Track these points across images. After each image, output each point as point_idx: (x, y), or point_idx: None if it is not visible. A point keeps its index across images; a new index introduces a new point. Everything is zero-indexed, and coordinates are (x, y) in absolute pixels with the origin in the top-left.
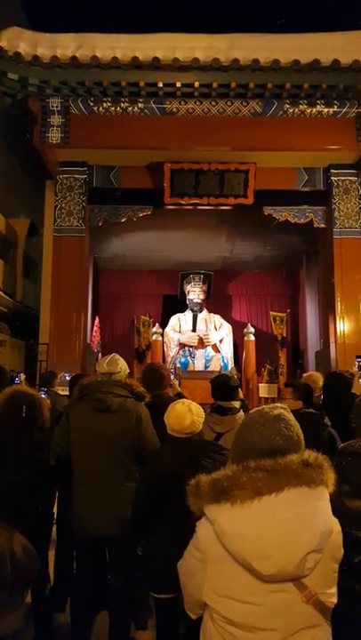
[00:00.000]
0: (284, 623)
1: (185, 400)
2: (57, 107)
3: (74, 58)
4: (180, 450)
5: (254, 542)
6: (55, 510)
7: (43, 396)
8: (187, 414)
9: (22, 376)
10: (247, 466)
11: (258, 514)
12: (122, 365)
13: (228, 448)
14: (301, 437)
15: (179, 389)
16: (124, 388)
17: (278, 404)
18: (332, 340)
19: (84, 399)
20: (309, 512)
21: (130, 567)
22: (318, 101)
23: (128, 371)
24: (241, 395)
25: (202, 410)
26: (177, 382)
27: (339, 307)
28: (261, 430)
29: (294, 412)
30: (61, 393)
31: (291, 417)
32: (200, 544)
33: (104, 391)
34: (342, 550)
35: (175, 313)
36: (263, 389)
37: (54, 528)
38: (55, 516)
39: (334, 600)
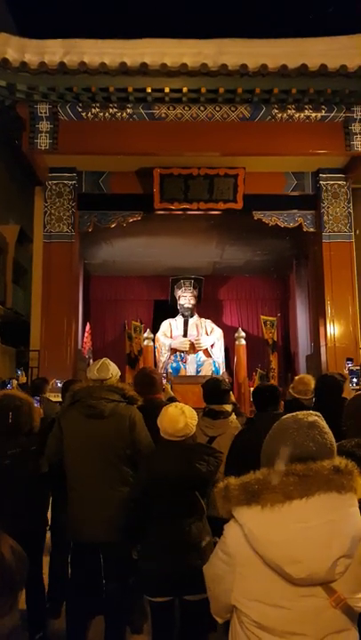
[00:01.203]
0: (313, 628)
1: (178, 403)
2: (45, 113)
3: (62, 64)
4: (173, 453)
5: (285, 546)
6: (49, 516)
7: (35, 404)
8: (180, 417)
9: (14, 382)
10: (278, 470)
11: (288, 518)
12: (113, 370)
13: (221, 451)
14: (334, 445)
15: (171, 394)
16: (116, 393)
17: (312, 412)
18: (322, 343)
19: (75, 405)
20: (341, 518)
21: (125, 572)
22: (306, 106)
23: (119, 374)
24: (233, 398)
25: (195, 413)
26: (169, 387)
27: (329, 310)
28: (295, 436)
29: (263, 414)
30: (53, 399)
31: (325, 424)
32: (228, 548)
33: (96, 397)
34: None
35: (166, 318)
36: None
37: (49, 534)
38: (50, 522)
39: None
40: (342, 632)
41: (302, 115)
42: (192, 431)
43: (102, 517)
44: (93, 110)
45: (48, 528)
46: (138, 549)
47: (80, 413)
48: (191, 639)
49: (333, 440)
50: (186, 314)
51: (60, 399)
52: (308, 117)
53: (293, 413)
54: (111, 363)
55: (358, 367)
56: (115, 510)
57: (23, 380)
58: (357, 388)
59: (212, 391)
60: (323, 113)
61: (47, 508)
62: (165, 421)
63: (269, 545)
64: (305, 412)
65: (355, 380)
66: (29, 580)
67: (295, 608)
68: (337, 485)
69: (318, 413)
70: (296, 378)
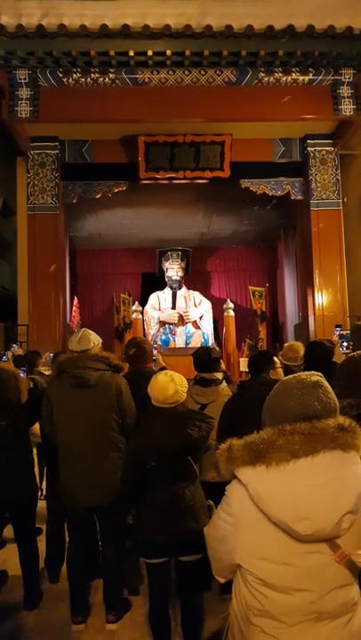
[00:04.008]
0: (318, 583)
1: (168, 371)
2: (25, 79)
3: (40, 26)
4: (165, 420)
5: (292, 503)
6: (45, 485)
7: (22, 375)
8: (169, 384)
9: (9, 354)
10: (283, 429)
11: (295, 476)
12: (94, 340)
13: (212, 416)
14: (337, 404)
15: (163, 364)
16: (101, 362)
17: (314, 372)
18: (310, 312)
19: (61, 376)
20: (346, 475)
21: (121, 535)
22: (293, 69)
23: (101, 342)
24: (223, 366)
25: (185, 380)
26: (161, 358)
27: (317, 279)
28: (299, 396)
29: (253, 379)
30: (46, 373)
31: (327, 384)
32: (232, 508)
33: (81, 366)
34: None
35: (154, 291)
36: (244, 363)
37: (45, 504)
38: (45, 491)
39: None
40: (345, 587)
41: (289, 78)
42: (182, 398)
43: (94, 483)
44: (75, 76)
45: (43, 497)
46: (133, 514)
47: (66, 383)
48: (187, 599)
49: (336, 399)
50: (174, 286)
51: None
52: (295, 81)
53: (295, 374)
54: (91, 332)
55: (348, 331)
56: (106, 475)
57: (20, 352)
58: (348, 352)
59: (203, 360)
60: (310, 76)
61: (39, 477)
62: (156, 389)
63: (276, 503)
64: (307, 372)
65: (345, 344)
66: (23, 547)
67: (301, 565)
68: (342, 443)
69: (320, 374)
70: (286, 345)
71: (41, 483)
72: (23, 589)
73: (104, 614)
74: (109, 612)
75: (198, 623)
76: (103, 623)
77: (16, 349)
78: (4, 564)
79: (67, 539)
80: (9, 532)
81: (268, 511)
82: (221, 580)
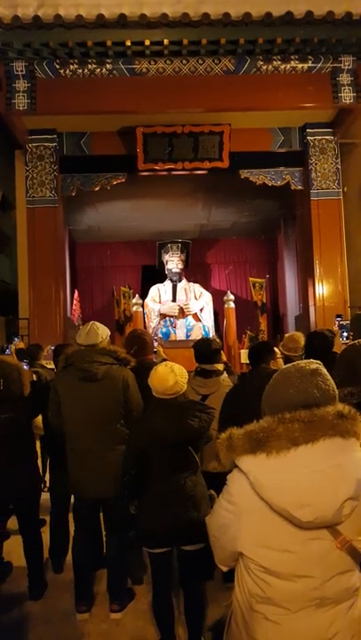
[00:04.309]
0: (320, 570)
1: (168, 362)
2: (22, 71)
3: (36, 17)
4: (165, 411)
5: (293, 491)
6: (48, 476)
7: (25, 367)
8: (169, 375)
9: (12, 347)
10: (283, 417)
11: (295, 463)
12: (102, 334)
13: (213, 407)
14: (336, 392)
15: (164, 356)
16: (109, 355)
17: (313, 360)
18: (311, 303)
19: (69, 369)
20: (346, 462)
21: (124, 526)
22: (292, 57)
23: (109, 335)
24: (224, 357)
25: (185, 371)
26: (162, 350)
27: (318, 270)
28: (298, 384)
29: (254, 370)
30: (48, 366)
31: (326, 371)
32: (233, 497)
33: (89, 360)
34: None
35: (154, 283)
36: (245, 355)
37: (48, 495)
38: (49, 482)
39: None
40: (347, 573)
41: (288, 66)
42: (183, 389)
43: (100, 475)
44: (72, 67)
45: (47, 489)
46: (136, 505)
47: (74, 377)
48: (190, 587)
49: (335, 387)
50: (174, 279)
51: (53, 366)
52: (294, 69)
53: (294, 362)
54: (100, 325)
55: (348, 321)
56: (112, 467)
57: (21, 345)
58: (348, 341)
59: (204, 351)
60: (309, 64)
61: (42, 469)
62: (156, 380)
63: (277, 491)
64: (306, 360)
65: (345, 334)
66: (28, 538)
67: (302, 551)
68: (341, 430)
69: (319, 362)
70: (286, 335)
71: (44, 475)
72: (28, 580)
73: (108, 603)
74: (113, 602)
75: (201, 611)
76: (107, 612)
77: (17, 343)
78: (9, 555)
79: (70, 529)
80: (13, 523)
81: (269, 499)
82: (224, 569)
